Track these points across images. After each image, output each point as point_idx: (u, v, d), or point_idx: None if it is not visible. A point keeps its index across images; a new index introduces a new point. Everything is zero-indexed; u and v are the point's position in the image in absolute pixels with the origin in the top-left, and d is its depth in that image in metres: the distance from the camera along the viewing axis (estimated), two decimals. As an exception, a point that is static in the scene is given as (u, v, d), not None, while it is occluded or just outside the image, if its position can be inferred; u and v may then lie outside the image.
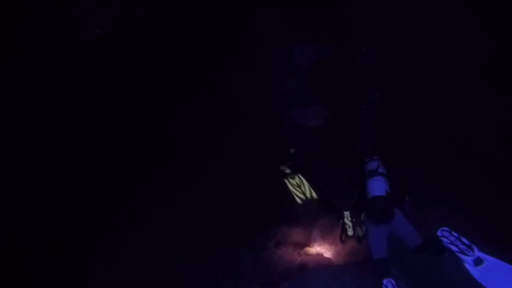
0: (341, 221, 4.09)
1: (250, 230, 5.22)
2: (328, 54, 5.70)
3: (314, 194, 4.15)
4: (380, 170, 3.74)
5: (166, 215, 5.17)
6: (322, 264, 4.62)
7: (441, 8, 4.16)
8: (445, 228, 3.13)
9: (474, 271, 2.86)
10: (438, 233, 3.16)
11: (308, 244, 5.23)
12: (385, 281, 3.26)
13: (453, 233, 3.06)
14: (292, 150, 4.65)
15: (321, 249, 5.11)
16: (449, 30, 4.19)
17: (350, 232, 4.02)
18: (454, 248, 2.97)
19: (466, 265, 2.91)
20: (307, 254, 4.98)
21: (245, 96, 5.76)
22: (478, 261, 2.84)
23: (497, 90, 3.95)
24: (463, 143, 4.36)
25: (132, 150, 5.14)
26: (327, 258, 4.90)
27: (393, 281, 3.24)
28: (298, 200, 4.21)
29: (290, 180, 4.24)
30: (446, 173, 4.48)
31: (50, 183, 4.56)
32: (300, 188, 4.19)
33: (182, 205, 5.34)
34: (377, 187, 3.60)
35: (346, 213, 4.09)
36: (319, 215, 5.16)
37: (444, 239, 3.06)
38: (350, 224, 4.06)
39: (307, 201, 4.23)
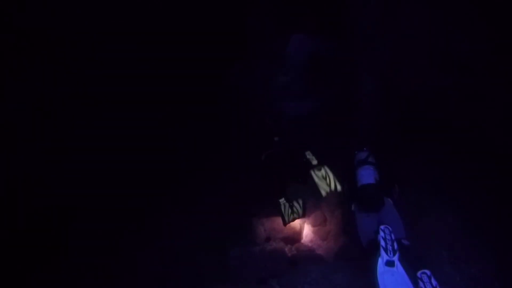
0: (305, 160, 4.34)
1: (239, 224, 5.05)
2: (325, 45, 5.55)
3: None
4: (370, 159, 3.81)
5: (153, 209, 4.96)
6: (313, 260, 4.44)
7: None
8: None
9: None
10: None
11: (299, 239, 5.06)
12: (382, 227, 3.28)
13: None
14: (276, 139, 4.57)
15: (313, 245, 4.95)
16: (452, 20, 4.00)
17: (315, 162, 4.27)
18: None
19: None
20: (298, 250, 4.80)
21: (240, 89, 5.60)
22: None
23: (504, 85, 3.78)
24: (464, 141, 4.17)
25: (126, 153, 4.88)
26: (318, 254, 4.72)
27: (390, 228, 3.29)
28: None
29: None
30: (445, 170, 4.31)
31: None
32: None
33: (170, 199, 5.12)
34: (367, 175, 3.68)
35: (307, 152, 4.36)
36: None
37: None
38: (313, 158, 4.30)
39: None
